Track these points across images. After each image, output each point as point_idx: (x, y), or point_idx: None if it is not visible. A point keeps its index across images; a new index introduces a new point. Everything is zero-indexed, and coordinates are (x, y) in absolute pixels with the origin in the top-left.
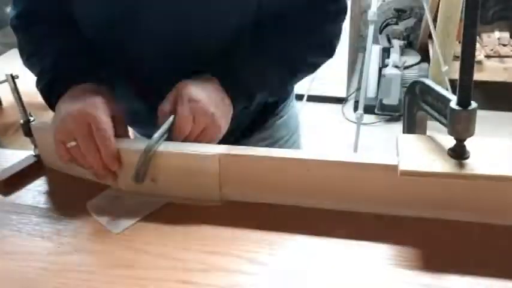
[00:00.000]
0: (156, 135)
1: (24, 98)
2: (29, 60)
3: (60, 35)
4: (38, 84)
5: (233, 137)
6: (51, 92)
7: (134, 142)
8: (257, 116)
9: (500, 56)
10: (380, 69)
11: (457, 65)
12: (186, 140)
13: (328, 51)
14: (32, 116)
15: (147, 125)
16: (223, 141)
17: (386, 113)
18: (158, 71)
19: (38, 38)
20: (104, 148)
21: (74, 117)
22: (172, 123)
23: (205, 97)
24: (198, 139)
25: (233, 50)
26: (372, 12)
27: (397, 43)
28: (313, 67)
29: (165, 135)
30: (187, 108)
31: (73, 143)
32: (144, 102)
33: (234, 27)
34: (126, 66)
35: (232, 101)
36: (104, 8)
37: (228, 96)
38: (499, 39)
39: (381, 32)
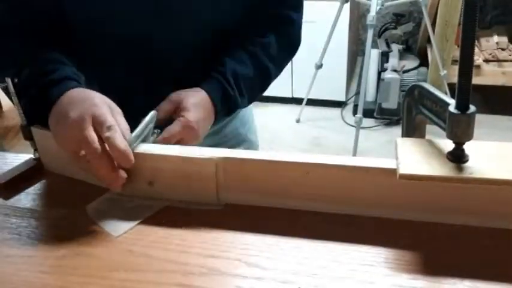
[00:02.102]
0: (132, 135)
1: None
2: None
3: (37, 45)
4: (22, 95)
5: None
6: (44, 101)
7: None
8: None
9: (498, 60)
10: (379, 73)
11: (455, 69)
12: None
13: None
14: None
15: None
16: None
17: (385, 116)
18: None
19: (13, 50)
20: (115, 147)
21: (77, 122)
22: (151, 121)
23: (201, 120)
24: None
25: (221, 59)
26: (371, 17)
27: (396, 47)
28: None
29: (145, 133)
30: (180, 130)
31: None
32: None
33: (211, 25)
34: (119, 66)
35: (216, 112)
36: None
37: (215, 108)
38: (497, 43)
39: (379, 36)
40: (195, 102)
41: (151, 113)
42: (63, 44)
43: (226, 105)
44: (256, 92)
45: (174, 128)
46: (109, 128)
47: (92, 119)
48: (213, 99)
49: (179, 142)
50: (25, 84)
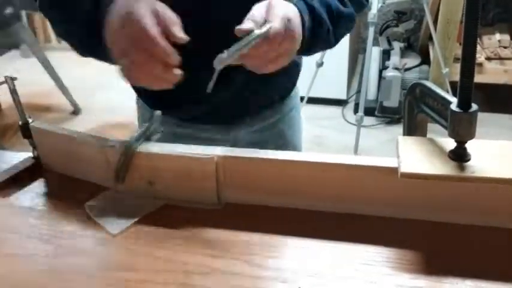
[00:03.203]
0: (136, 134)
1: (23, 100)
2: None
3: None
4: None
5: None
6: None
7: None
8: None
9: (500, 58)
10: (380, 72)
11: (457, 67)
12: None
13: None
14: (30, 118)
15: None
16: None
17: (387, 115)
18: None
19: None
20: (156, 50)
21: (117, 31)
22: (156, 121)
23: (295, 17)
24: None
25: None
26: (372, 14)
27: (397, 45)
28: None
29: (148, 132)
30: (283, 22)
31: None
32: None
33: None
34: None
35: (304, 31)
36: None
37: (302, 25)
38: (499, 41)
39: (381, 34)
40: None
41: (156, 113)
42: None
43: (313, 23)
44: (340, 24)
45: (275, 26)
46: (145, 36)
47: (155, 14)
48: (300, 10)
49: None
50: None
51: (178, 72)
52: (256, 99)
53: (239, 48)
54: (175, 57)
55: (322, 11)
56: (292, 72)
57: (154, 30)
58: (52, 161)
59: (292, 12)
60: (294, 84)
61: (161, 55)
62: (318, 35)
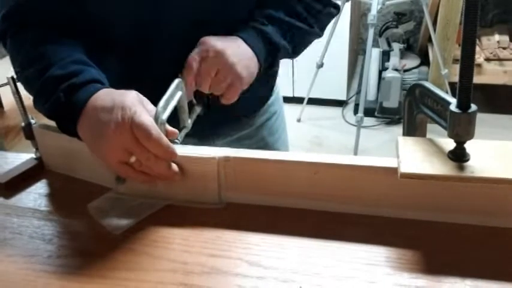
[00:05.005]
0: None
1: (26, 101)
2: (26, 71)
3: (64, 41)
4: (44, 99)
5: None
6: (70, 106)
7: None
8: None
9: (499, 59)
10: (380, 72)
11: (456, 68)
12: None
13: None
14: (33, 119)
15: None
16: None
17: (386, 116)
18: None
19: (37, 44)
20: (162, 153)
21: (117, 130)
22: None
23: (228, 47)
24: (222, 95)
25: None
26: (372, 16)
27: (397, 46)
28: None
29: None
30: (198, 52)
31: (134, 158)
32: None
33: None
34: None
35: (258, 57)
36: (132, 7)
37: (254, 52)
38: (498, 42)
39: (380, 35)
40: (219, 37)
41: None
42: (82, 37)
43: (265, 47)
44: (297, 39)
45: (193, 52)
46: (148, 137)
47: (131, 125)
48: (245, 40)
49: (218, 81)
50: (47, 86)
51: (176, 169)
52: (219, 117)
53: (164, 106)
54: (175, 154)
55: (278, 36)
56: (255, 90)
57: (156, 130)
58: (54, 162)
59: (224, 43)
60: (267, 96)
61: (166, 156)
62: (275, 58)
